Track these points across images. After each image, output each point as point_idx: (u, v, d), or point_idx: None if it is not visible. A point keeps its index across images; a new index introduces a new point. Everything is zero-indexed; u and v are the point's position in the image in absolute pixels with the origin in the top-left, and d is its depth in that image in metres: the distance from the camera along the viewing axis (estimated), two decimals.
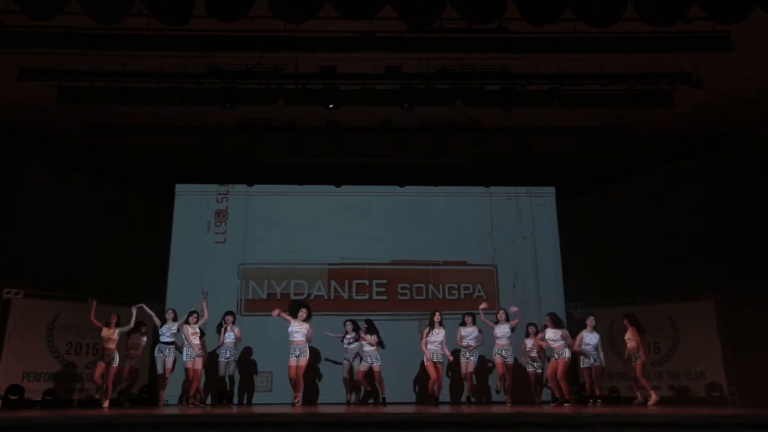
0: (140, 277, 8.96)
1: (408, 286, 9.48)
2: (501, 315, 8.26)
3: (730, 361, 8.16)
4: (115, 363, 7.54)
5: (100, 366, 7.50)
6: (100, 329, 7.54)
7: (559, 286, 9.61)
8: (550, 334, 7.66)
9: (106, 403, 7.47)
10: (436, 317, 7.97)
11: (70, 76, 6.73)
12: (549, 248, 9.81)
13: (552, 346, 7.63)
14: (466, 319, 8.21)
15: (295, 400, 7.54)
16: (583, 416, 4.96)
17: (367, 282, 9.54)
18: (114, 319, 7.61)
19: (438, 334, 7.89)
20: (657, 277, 8.88)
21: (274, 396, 8.72)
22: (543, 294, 9.56)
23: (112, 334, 7.52)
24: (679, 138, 8.62)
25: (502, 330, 8.15)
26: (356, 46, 6.40)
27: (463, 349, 8.10)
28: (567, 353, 7.49)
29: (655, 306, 8.87)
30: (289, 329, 7.71)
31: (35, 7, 5.26)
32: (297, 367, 7.61)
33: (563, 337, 7.57)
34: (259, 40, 6.22)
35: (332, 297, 9.43)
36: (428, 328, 7.95)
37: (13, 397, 7.55)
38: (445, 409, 6.54)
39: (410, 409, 6.65)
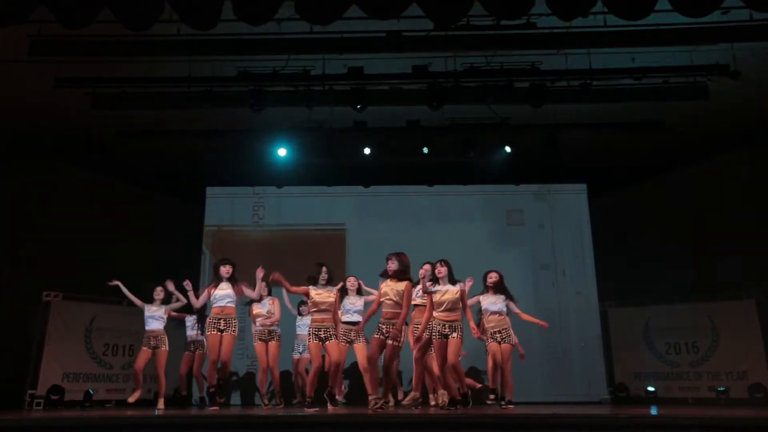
0: (174, 279, 9.07)
1: None
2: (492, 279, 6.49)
3: None
4: (165, 347, 6.96)
5: (145, 353, 6.88)
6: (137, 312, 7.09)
7: (593, 285, 9.45)
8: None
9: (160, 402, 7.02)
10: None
11: (103, 83, 6.88)
12: (581, 246, 9.64)
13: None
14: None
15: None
16: (619, 418, 4.86)
17: None
18: (161, 294, 7.08)
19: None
20: (695, 275, 8.65)
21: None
22: (576, 293, 9.40)
23: (158, 312, 6.99)
24: (716, 132, 8.37)
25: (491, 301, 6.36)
26: (383, 46, 6.37)
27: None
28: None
29: (694, 305, 8.65)
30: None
31: (70, 17, 5.40)
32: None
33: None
34: (287, 43, 6.25)
35: None
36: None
37: (54, 398, 7.75)
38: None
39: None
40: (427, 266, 5.93)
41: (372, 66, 6.90)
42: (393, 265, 5.72)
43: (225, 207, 9.88)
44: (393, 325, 5.60)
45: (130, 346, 8.68)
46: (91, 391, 8.13)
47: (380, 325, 5.69)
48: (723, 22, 5.83)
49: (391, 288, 5.70)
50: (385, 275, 5.81)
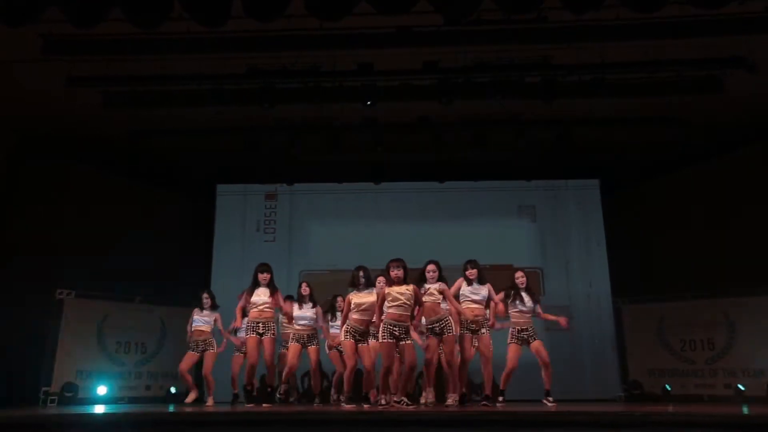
0: (185, 277, 9.14)
1: None
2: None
3: None
4: (212, 349, 7.28)
5: (191, 356, 7.22)
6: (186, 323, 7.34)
7: (606, 282, 9.36)
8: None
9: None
10: None
11: (113, 82, 6.90)
12: (594, 242, 9.55)
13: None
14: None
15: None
16: (634, 415, 4.80)
17: None
18: (209, 302, 7.36)
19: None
20: (710, 271, 8.53)
21: None
22: (589, 290, 9.33)
23: (207, 317, 7.28)
24: (731, 126, 8.26)
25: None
26: (393, 42, 6.34)
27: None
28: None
29: (709, 301, 8.52)
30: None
31: (80, 16, 5.42)
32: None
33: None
34: (296, 39, 6.24)
35: None
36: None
37: (68, 395, 7.81)
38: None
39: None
40: (432, 266, 5.88)
41: (382, 62, 6.88)
42: (400, 273, 5.60)
43: (237, 204, 9.88)
44: (404, 327, 5.53)
45: (142, 344, 8.73)
46: (105, 389, 8.18)
47: (392, 328, 5.52)
48: (739, 13, 5.72)
49: (399, 292, 5.57)
50: (389, 282, 5.66)
